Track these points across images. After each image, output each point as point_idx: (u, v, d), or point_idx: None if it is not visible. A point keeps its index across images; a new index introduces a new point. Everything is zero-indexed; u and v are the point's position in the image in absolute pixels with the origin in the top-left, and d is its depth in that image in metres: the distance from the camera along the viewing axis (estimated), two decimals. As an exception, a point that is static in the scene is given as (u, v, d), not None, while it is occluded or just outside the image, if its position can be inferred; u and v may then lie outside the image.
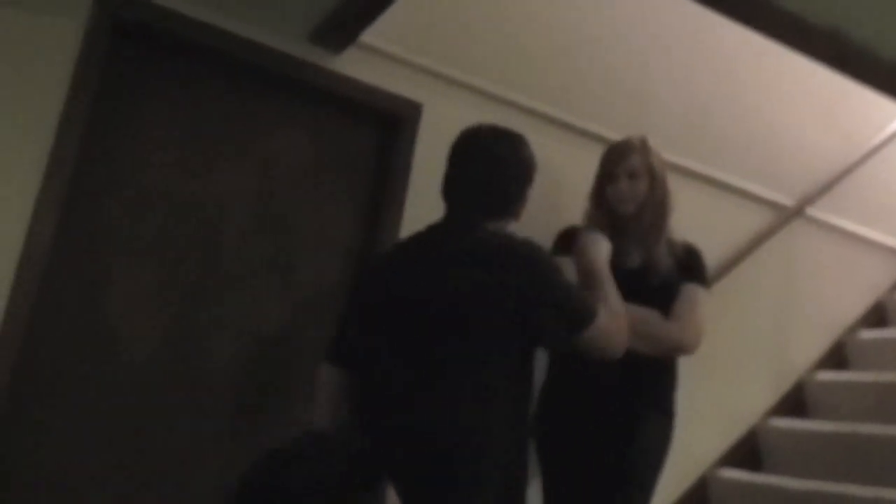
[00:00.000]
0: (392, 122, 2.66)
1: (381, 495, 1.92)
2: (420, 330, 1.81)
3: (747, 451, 3.13)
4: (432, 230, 1.92)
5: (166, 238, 2.41)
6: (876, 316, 3.63)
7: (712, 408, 3.05)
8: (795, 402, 3.30)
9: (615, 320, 1.87)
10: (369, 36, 2.53)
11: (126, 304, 2.34)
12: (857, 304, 3.60)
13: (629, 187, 2.39)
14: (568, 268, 2.33)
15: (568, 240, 2.46)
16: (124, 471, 2.28)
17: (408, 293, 1.85)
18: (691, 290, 2.36)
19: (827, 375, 3.35)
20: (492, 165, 1.90)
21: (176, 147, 2.45)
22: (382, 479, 1.80)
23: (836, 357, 3.47)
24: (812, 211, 3.43)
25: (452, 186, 1.91)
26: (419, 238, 1.92)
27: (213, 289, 2.45)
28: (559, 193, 2.78)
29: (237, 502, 1.60)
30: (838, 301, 3.54)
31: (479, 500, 1.70)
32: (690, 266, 2.41)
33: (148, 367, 2.34)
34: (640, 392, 2.34)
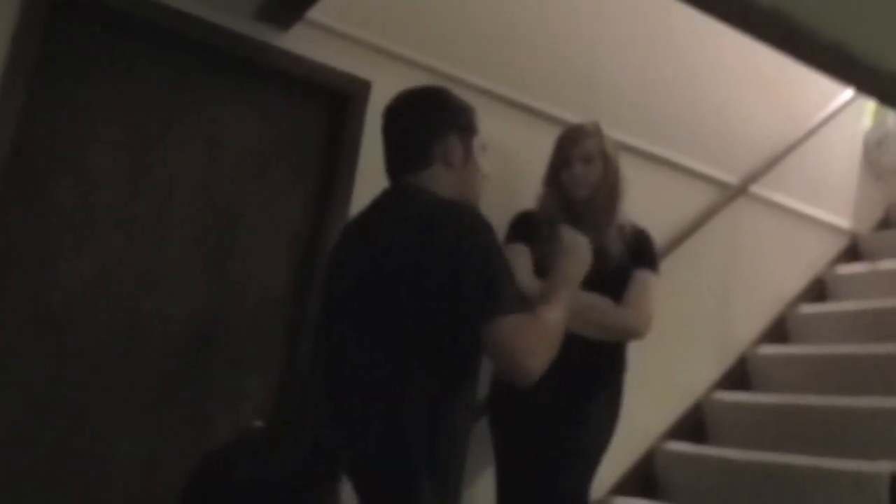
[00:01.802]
0: (341, 100, 2.63)
1: (335, 491, 1.84)
2: (335, 306, 1.74)
3: (693, 425, 3.21)
4: (373, 202, 1.86)
5: (111, 220, 2.36)
6: (816, 291, 3.74)
7: (659, 382, 3.11)
8: (739, 375, 3.39)
9: (538, 336, 1.53)
10: (317, 13, 2.49)
11: (70, 287, 2.29)
12: (797, 279, 3.71)
13: (584, 171, 2.42)
14: (521, 256, 2.36)
15: (522, 225, 2.48)
16: (66, 456, 2.24)
17: (333, 268, 1.80)
18: (643, 276, 2.41)
19: (769, 349, 3.44)
20: (399, 120, 1.82)
21: (120, 126, 2.39)
22: (337, 476, 1.74)
23: (778, 331, 3.57)
24: (755, 189, 3.50)
25: (384, 157, 1.84)
26: (366, 208, 1.89)
27: (159, 271, 2.41)
28: (511, 174, 2.79)
29: (187, 495, 1.57)
30: (780, 276, 3.63)
31: (412, 493, 1.57)
32: (641, 252, 2.45)
33: (93, 352, 2.30)
34: (590, 372, 2.38)
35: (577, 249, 1.73)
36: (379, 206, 1.80)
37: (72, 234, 2.31)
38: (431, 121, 1.79)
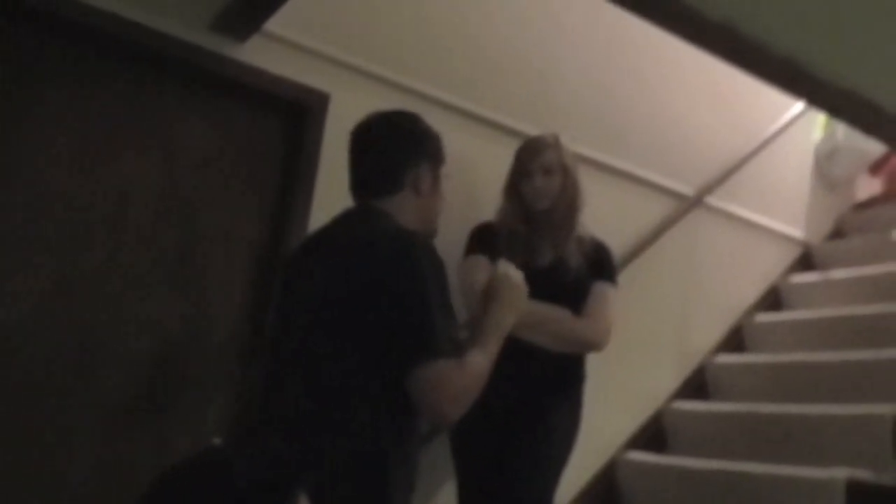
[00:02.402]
0: (299, 113, 2.62)
1: None
2: (285, 328, 1.74)
3: (653, 434, 3.23)
4: (334, 219, 1.86)
5: (65, 234, 2.31)
6: (771, 300, 3.81)
7: (619, 392, 3.13)
8: (698, 384, 3.43)
9: (464, 383, 1.53)
10: (274, 24, 2.48)
11: (22, 303, 2.23)
12: (753, 288, 3.76)
13: (544, 183, 2.44)
14: (480, 267, 2.36)
15: (482, 237, 2.49)
16: (18, 480, 2.18)
17: (287, 284, 1.80)
18: (601, 288, 2.43)
19: (726, 358, 3.49)
20: (372, 142, 1.83)
21: (73, 139, 2.35)
22: (294, 493, 1.70)
23: (735, 340, 3.62)
24: (711, 200, 3.56)
25: (349, 176, 1.84)
26: (325, 226, 1.89)
27: (113, 286, 2.36)
28: (470, 187, 2.79)
29: None
30: (736, 286, 3.69)
31: None
32: (600, 263, 2.47)
33: (45, 371, 2.24)
34: (549, 384, 2.38)
35: (507, 291, 1.74)
36: (340, 226, 1.80)
37: (24, 248, 2.25)
38: (405, 148, 1.81)
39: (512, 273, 1.77)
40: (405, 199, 1.78)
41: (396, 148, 1.81)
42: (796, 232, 3.97)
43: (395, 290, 1.55)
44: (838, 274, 3.74)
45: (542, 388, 2.36)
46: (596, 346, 2.42)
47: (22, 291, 2.24)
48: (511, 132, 2.86)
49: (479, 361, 1.59)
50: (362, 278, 1.59)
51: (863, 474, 2.45)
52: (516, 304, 1.74)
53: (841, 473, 2.45)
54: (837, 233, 4.19)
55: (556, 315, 2.34)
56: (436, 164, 1.85)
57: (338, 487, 1.52)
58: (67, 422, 2.26)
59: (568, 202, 2.45)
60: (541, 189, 2.44)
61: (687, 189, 3.47)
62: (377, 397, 1.56)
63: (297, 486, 1.53)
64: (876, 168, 4.42)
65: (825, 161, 4.13)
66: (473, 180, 2.80)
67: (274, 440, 1.57)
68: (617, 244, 2.80)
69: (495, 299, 1.72)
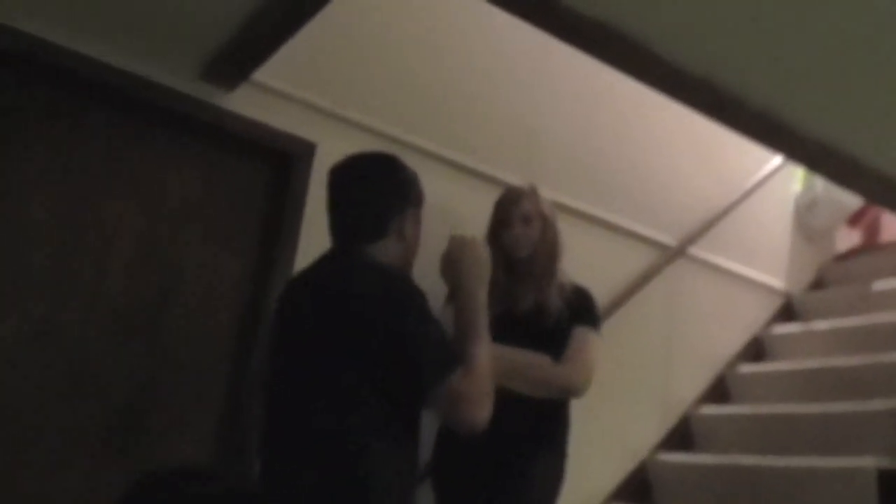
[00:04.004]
0: (285, 162, 2.64)
1: None
2: (279, 365, 1.76)
3: (638, 485, 3.20)
4: (318, 260, 1.88)
5: (49, 276, 2.31)
6: (753, 350, 3.82)
7: (604, 443, 3.11)
8: (682, 435, 3.41)
9: (478, 384, 1.61)
10: (263, 74, 2.51)
11: (2, 346, 2.21)
12: (736, 339, 3.78)
13: (523, 231, 2.46)
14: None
15: None
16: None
17: (278, 326, 1.81)
18: (582, 334, 2.42)
19: (710, 409, 3.48)
20: (355, 189, 1.84)
21: (59, 184, 2.35)
22: None
23: (718, 391, 3.62)
24: (693, 250, 3.59)
25: (330, 219, 1.86)
26: (306, 268, 1.90)
27: (96, 332, 2.34)
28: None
29: None
30: (719, 337, 3.70)
31: None
32: (581, 309, 2.47)
33: (25, 415, 2.22)
34: (532, 432, 2.37)
35: (468, 254, 1.82)
36: (327, 267, 1.81)
37: (6, 292, 2.24)
38: (390, 195, 1.83)
39: (468, 239, 1.85)
40: (390, 243, 1.81)
41: (382, 197, 1.83)
42: (778, 282, 4.01)
43: (400, 326, 1.60)
44: (820, 325, 3.77)
45: (525, 436, 2.34)
46: (576, 390, 2.40)
47: (3, 335, 2.22)
48: (498, 183, 2.88)
49: (479, 355, 1.64)
50: (354, 318, 1.62)
51: (847, 528, 2.45)
52: (479, 268, 1.81)
53: (825, 527, 2.44)
54: (818, 283, 4.23)
55: (535, 361, 2.33)
56: (417, 208, 1.88)
57: None
58: (45, 468, 2.23)
59: (548, 250, 2.46)
60: (520, 237, 2.46)
61: (670, 240, 3.51)
62: (375, 432, 1.61)
63: None
64: (855, 220, 4.49)
65: (805, 213, 4.19)
66: (457, 229, 2.80)
67: (269, 472, 1.59)
68: (601, 294, 2.80)
69: (458, 269, 1.80)
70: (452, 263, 1.84)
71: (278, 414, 1.72)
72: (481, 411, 1.60)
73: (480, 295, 1.77)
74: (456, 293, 1.81)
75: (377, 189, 1.84)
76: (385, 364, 1.59)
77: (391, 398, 1.61)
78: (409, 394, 1.61)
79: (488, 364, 1.66)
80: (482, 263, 1.83)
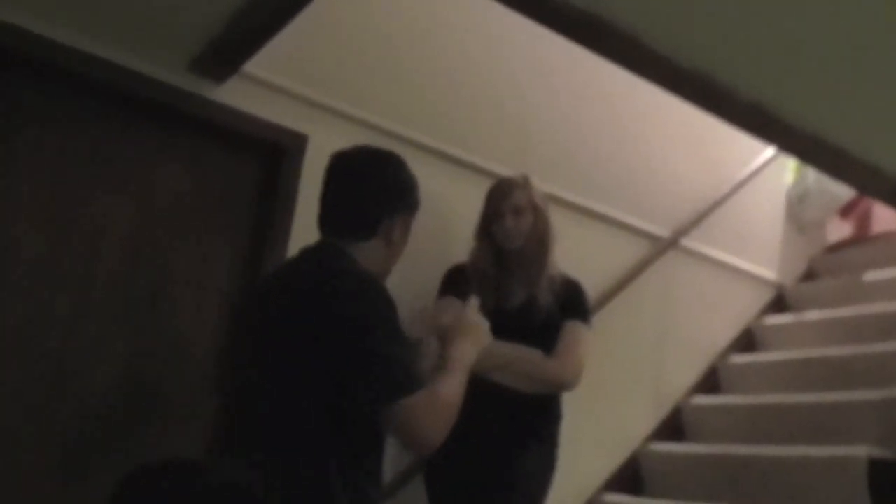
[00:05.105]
0: (276, 154, 2.62)
1: None
2: (245, 361, 1.75)
3: (630, 475, 3.22)
4: (300, 253, 1.86)
5: (38, 271, 2.29)
6: (745, 341, 3.83)
7: (596, 434, 3.12)
8: (674, 425, 3.43)
9: (438, 413, 1.60)
10: (253, 66, 2.49)
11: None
12: (728, 330, 3.78)
13: (514, 223, 2.45)
14: (450, 308, 2.36)
15: (454, 279, 2.49)
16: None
17: (246, 321, 1.80)
18: (572, 328, 2.42)
19: (702, 399, 3.49)
20: (351, 183, 1.80)
21: (46, 179, 2.33)
22: None
23: (710, 381, 3.63)
24: (686, 242, 3.59)
25: (320, 208, 1.84)
26: (286, 262, 1.89)
27: (84, 327, 2.33)
28: (446, 229, 2.80)
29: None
30: (711, 327, 3.71)
31: None
32: (572, 302, 2.47)
33: (11, 411, 2.20)
34: (522, 425, 2.37)
35: (476, 332, 1.81)
36: (303, 264, 1.79)
37: (-7, 288, 2.23)
38: (385, 198, 1.80)
39: (477, 316, 1.85)
40: (374, 247, 1.79)
41: (377, 197, 1.80)
42: (770, 274, 4.01)
43: (357, 334, 1.58)
44: (811, 315, 3.78)
45: (516, 428, 2.35)
46: (566, 385, 2.41)
47: (-7, 330, 2.21)
48: (489, 174, 2.88)
49: (450, 385, 1.65)
50: (321, 320, 1.60)
51: (838, 517, 2.46)
52: (479, 341, 1.81)
53: (816, 516, 2.45)
54: (810, 275, 4.24)
55: (525, 355, 2.33)
56: (410, 215, 1.85)
57: None
58: (32, 464, 2.21)
59: (539, 241, 2.46)
60: (511, 229, 2.45)
61: (662, 231, 3.51)
62: (334, 436, 1.59)
63: None
64: (846, 211, 4.50)
65: (797, 204, 4.19)
66: (450, 222, 2.81)
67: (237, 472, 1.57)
68: (593, 285, 2.81)
69: (460, 335, 1.78)
70: (456, 331, 1.81)
71: (238, 411, 1.71)
72: (435, 435, 1.60)
73: (470, 361, 1.76)
74: (449, 348, 1.77)
75: (374, 187, 1.80)
76: (344, 377, 1.58)
77: (347, 410, 1.60)
78: (362, 408, 1.59)
79: (457, 399, 1.65)
80: (484, 339, 1.84)
